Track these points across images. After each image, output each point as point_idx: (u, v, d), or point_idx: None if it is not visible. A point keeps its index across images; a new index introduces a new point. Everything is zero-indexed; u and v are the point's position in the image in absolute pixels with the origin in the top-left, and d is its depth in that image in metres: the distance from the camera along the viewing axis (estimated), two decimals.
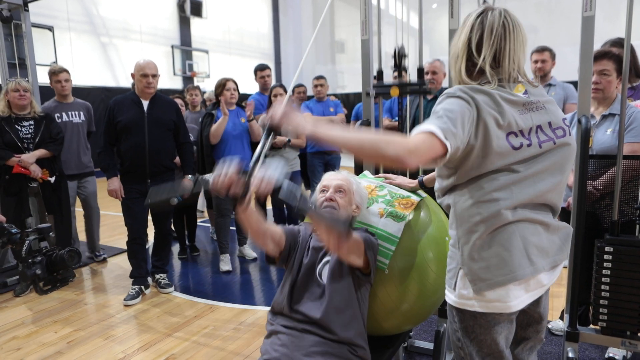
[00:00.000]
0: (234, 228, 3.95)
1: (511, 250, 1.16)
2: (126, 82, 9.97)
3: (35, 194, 3.34)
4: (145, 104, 3.11)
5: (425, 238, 1.70)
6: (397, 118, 3.31)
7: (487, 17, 1.22)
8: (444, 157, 1.09)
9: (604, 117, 2.18)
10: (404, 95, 2.23)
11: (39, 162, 3.24)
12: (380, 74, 2.32)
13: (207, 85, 12.19)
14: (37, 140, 3.26)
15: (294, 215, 3.96)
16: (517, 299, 1.19)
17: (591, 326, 1.98)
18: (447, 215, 1.34)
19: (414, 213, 1.70)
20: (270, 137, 1.30)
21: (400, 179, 1.85)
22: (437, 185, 1.32)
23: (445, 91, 1.20)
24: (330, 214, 1.44)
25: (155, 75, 3.10)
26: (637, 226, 1.82)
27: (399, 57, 2.30)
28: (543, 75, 3.53)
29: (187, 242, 4.22)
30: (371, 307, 1.64)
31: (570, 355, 1.87)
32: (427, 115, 3.93)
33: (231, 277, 3.58)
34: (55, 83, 3.70)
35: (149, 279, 3.35)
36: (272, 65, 14.47)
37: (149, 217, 3.27)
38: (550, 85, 3.52)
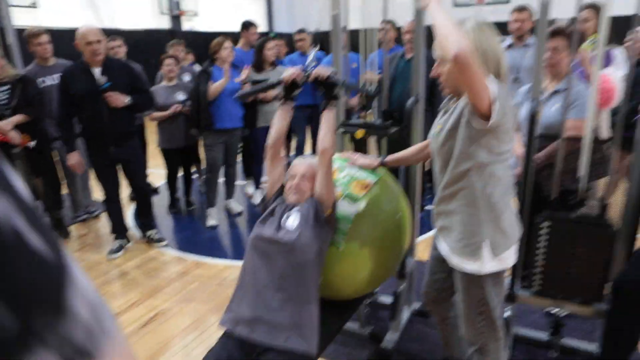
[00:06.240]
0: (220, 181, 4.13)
1: (513, 219, 1.58)
2: (110, 22, 9.70)
3: (21, 157, 3.40)
4: (97, 71, 3.10)
5: (379, 215, 1.89)
6: (380, 71, 3.38)
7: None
8: (487, 117, 1.35)
9: (553, 92, 2.29)
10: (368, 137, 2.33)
11: (20, 126, 3.27)
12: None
13: (196, 24, 11.84)
14: (13, 105, 3.27)
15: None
16: (514, 253, 1.60)
17: None
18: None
19: (370, 193, 1.88)
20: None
21: (362, 160, 1.99)
22: (462, 167, 1.48)
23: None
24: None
25: (99, 41, 3.06)
26: (573, 202, 1.99)
27: (366, 97, 2.43)
28: (520, 36, 3.55)
29: (178, 195, 4.40)
30: (329, 279, 1.84)
31: (508, 314, 2.14)
32: (404, 75, 3.92)
33: (217, 232, 3.82)
34: (36, 46, 3.64)
35: (142, 234, 3.62)
36: (263, 4, 13.94)
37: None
38: (526, 46, 3.55)
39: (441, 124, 1.54)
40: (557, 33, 2.23)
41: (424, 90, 2.32)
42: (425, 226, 3.64)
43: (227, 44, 3.77)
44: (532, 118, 1.96)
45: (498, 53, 1.43)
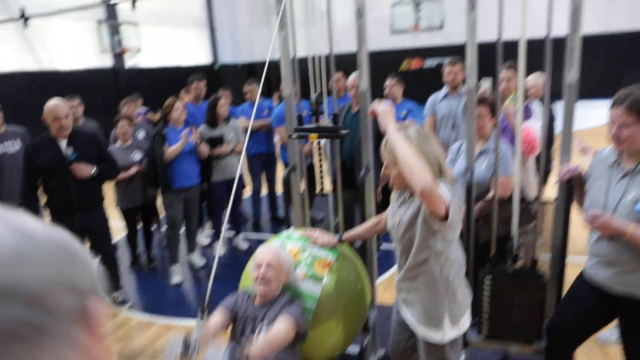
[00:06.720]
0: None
1: (466, 290, 1.85)
2: (49, 64, 9.48)
3: None
4: (63, 143, 3.16)
5: (342, 288, 2.07)
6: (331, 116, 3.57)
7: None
8: (444, 219, 1.56)
9: (481, 152, 2.61)
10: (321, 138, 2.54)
11: None
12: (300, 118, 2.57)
13: (140, 61, 11.73)
14: None
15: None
16: (468, 316, 1.84)
17: None
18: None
19: (331, 271, 2.06)
20: (204, 320, 1.74)
21: (321, 240, 2.15)
22: (422, 255, 1.72)
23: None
24: None
25: (67, 116, 3.14)
26: (509, 259, 2.27)
27: (317, 104, 2.61)
28: (455, 86, 3.92)
29: (138, 251, 4.40)
30: (302, 350, 2.01)
31: (463, 357, 2.38)
32: (353, 127, 4.17)
33: (183, 290, 3.88)
34: None
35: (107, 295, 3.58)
36: (206, 32, 14.04)
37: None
38: (460, 95, 3.92)
39: (399, 216, 1.76)
40: (480, 101, 2.53)
41: (373, 145, 2.53)
42: (382, 266, 3.88)
43: (178, 104, 3.88)
44: (469, 187, 2.24)
45: (438, 155, 1.67)
